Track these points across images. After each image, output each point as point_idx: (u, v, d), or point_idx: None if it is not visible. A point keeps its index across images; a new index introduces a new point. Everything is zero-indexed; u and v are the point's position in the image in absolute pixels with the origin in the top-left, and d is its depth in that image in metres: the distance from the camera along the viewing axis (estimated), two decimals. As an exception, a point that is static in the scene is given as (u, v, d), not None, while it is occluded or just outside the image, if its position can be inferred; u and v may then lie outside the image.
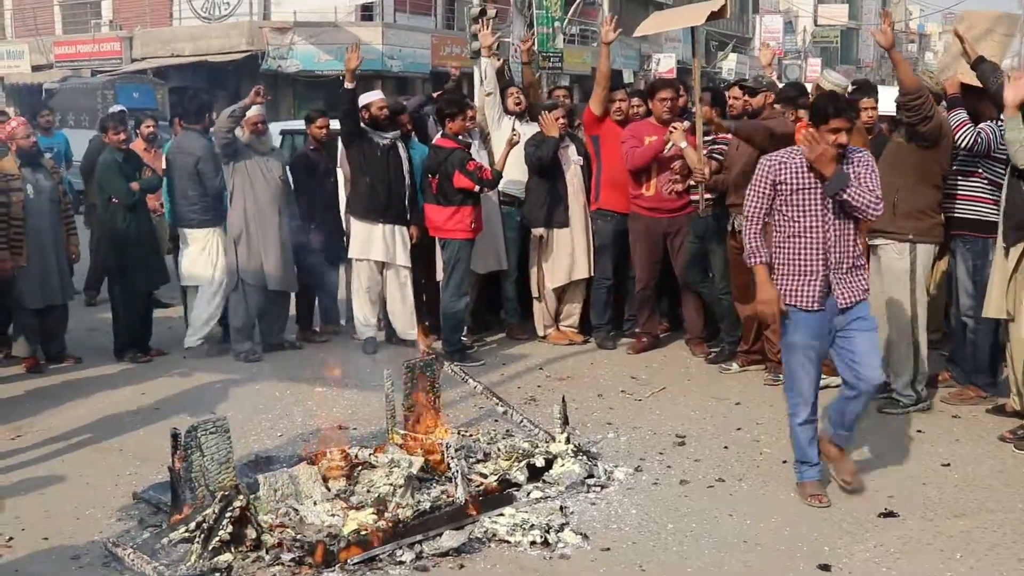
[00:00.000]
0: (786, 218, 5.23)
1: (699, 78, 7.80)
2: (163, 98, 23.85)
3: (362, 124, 8.52)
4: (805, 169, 5.15)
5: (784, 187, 5.20)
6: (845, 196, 5.08)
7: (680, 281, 8.54)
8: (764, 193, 5.27)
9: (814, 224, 5.19)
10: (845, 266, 5.23)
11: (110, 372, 8.21)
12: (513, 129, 8.50)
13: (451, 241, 8.25)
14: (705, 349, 8.55)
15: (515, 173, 8.65)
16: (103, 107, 20.59)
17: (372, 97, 8.74)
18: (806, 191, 5.17)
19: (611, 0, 39.42)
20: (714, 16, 7.64)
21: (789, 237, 5.24)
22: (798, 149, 5.18)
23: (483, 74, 9.07)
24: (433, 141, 8.59)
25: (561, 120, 8.59)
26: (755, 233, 5.34)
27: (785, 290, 5.26)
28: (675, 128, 7.97)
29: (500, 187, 8.58)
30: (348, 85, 8.37)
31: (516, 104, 8.88)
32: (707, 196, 7.84)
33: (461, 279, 8.29)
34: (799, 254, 5.23)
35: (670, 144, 8.06)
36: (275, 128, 10.31)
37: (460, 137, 8.31)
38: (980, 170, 6.93)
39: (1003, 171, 6.65)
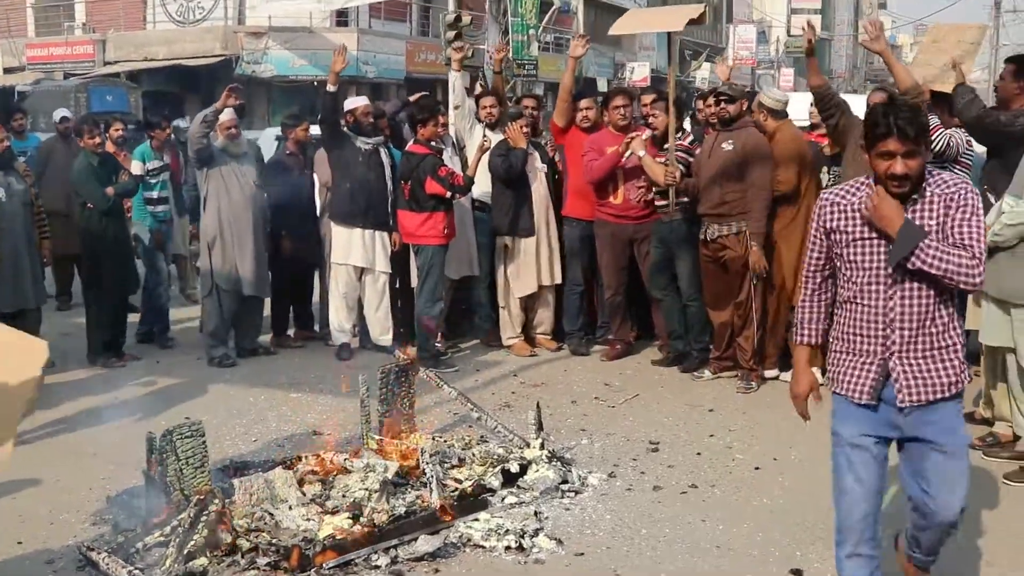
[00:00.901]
0: (844, 277, 3.83)
1: (674, 85, 7.86)
2: (136, 102, 23.73)
3: (345, 128, 8.54)
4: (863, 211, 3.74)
5: (839, 236, 3.80)
6: (918, 263, 3.59)
7: (648, 287, 8.60)
8: (817, 244, 3.91)
9: (874, 288, 3.74)
10: (916, 349, 3.73)
11: (84, 377, 8.17)
12: (484, 136, 8.54)
13: (424, 247, 8.27)
14: (665, 351, 8.59)
15: (488, 180, 8.69)
16: (76, 110, 20.46)
17: (358, 102, 8.76)
18: (865, 242, 3.73)
19: (586, 9, 39.65)
20: (692, 23, 7.70)
21: (844, 302, 3.84)
22: (864, 180, 3.82)
23: (452, 87, 9.10)
24: (406, 148, 8.62)
25: (525, 129, 8.63)
26: (808, 298, 4.05)
27: (834, 370, 3.93)
28: (633, 137, 8.05)
29: (473, 194, 8.62)
30: (331, 88, 8.38)
31: (488, 115, 8.92)
32: (677, 201, 7.83)
33: (435, 285, 8.31)
34: (853, 326, 3.81)
35: (628, 153, 8.11)
36: (270, 133, 10.29)
37: (432, 143, 8.34)
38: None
39: (969, 175, 6.87)
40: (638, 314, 9.08)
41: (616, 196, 8.39)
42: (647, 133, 8.13)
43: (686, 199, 7.89)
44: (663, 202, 8.00)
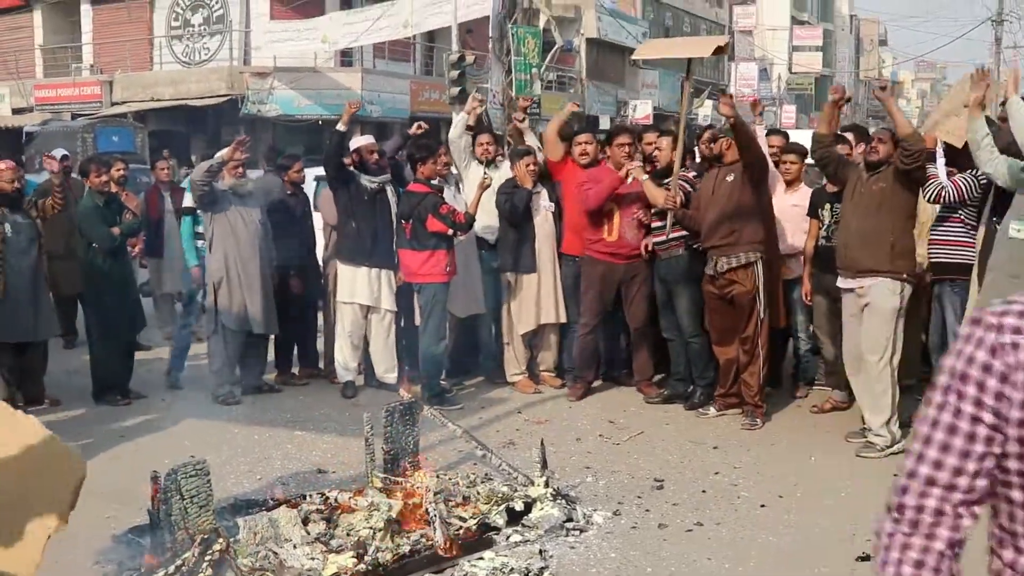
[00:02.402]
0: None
1: (685, 115, 7.91)
2: (143, 141, 23.86)
3: (350, 168, 8.59)
4: None
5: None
6: None
7: (631, 326, 8.61)
8: (972, 421, 1.79)
9: None
10: None
11: (89, 415, 8.18)
12: (485, 173, 8.57)
13: (427, 285, 8.28)
14: (655, 391, 8.62)
15: (490, 218, 8.72)
16: (83, 151, 20.57)
17: (363, 141, 8.81)
18: None
19: (588, 47, 39.89)
20: (719, 51, 7.75)
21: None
22: None
23: (454, 123, 9.16)
24: (406, 187, 8.65)
25: (532, 167, 8.69)
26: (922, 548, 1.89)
27: None
28: (633, 164, 8.15)
29: (476, 231, 8.65)
30: (342, 127, 8.45)
31: (484, 152, 8.96)
32: (673, 231, 7.94)
33: (439, 323, 8.32)
34: None
35: (630, 179, 8.16)
36: (309, 174, 10.34)
37: (432, 182, 8.37)
38: (960, 216, 7.14)
39: (976, 216, 6.96)
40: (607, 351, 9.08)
41: (611, 232, 8.40)
42: (638, 162, 8.21)
43: (684, 232, 7.97)
44: (659, 223, 8.05)
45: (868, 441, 7.04)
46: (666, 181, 7.99)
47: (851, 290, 7.12)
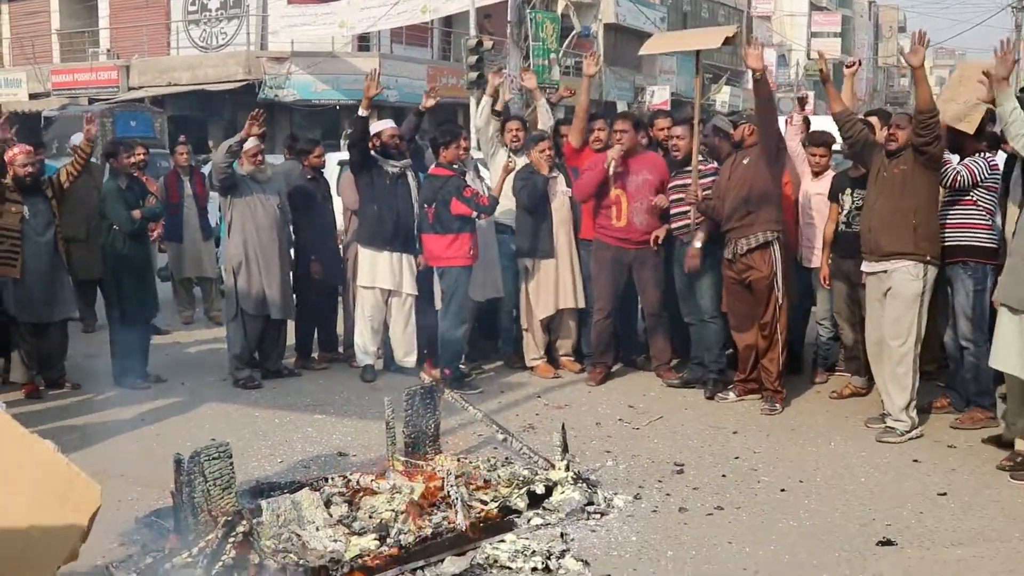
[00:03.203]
0: None
1: (699, 106, 7.90)
2: (161, 127, 23.89)
3: (372, 152, 8.59)
4: None
5: None
6: None
7: (648, 311, 8.62)
8: None
9: None
10: None
11: (109, 398, 8.22)
12: (509, 156, 8.58)
13: (450, 269, 8.30)
14: (674, 375, 8.65)
15: (511, 201, 8.74)
16: (102, 136, 20.61)
17: (384, 125, 8.82)
18: None
19: (606, 33, 39.77)
20: (728, 42, 7.72)
21: None
22: None
23: (480, 110, 9.15)
24: (428, 170, 8.65)
25: (548, 152, 8.68)
26: None
27: None
28: (612, 152, 8.24)
29: (496, 215, 8.64)
30: (363, 112, 8.43)
31: (513, 140, 8.92)
32: (678, 225, 8.07)
33: (460, 306, 8.33)
34: None
35: (610, 168, 8.22)
36: (331, 159, 10.35)
37: (455, 165, 8.38)
38: (973, 198, 7.10)
39: (995, 198, 6.96)
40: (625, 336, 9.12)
41: (620, 218, 8.42)
42: (617, 148, 8.25)
43: (699, 222, 8.02)
44: (679, 209, 8.08)
45: (888, 426, 7.03)
46: (687, 168, 8.01)
47: (875, 274, 7.11)
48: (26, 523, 3.28)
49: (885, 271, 7.01)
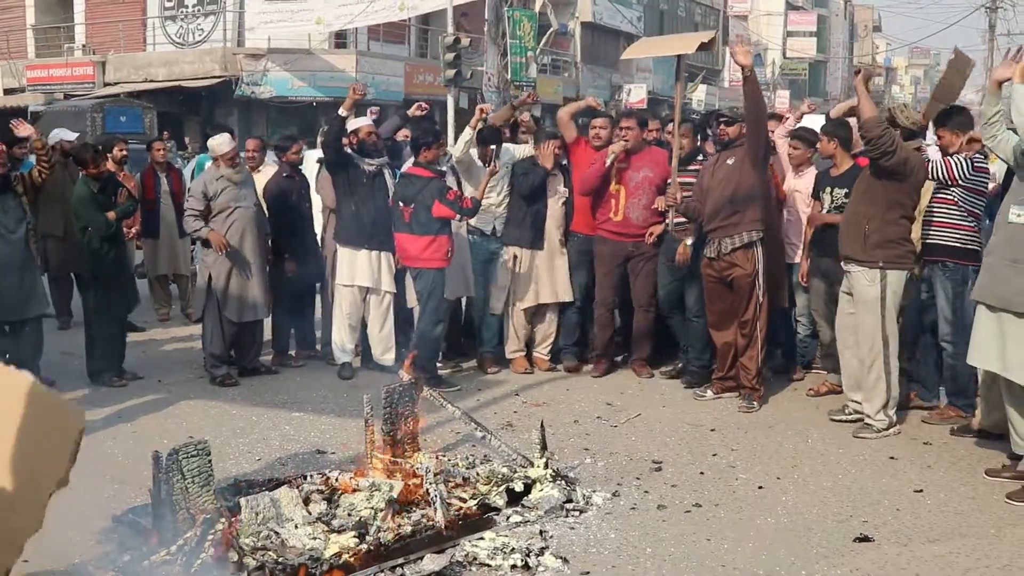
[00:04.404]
0: None
1: (680, 107, 7.96)
2: (151, 122, 23.75)
3: (349, 150, 8.57)
4: None
5: None
6: None
7: (636, 303, 8.69)
8: None
9: None
10: None
11: (85, 396, 8.16)
12: (494, 159, 8.36)
13: (426, 271, 8.25)
14: (649, 371, 8.76)
15: (486, 203, 8.61)
16: (92, 131, 20.45)
17: (361, 123, 8.77)
18: None
19: (583, 31, 39.83)
20: (703, 47, 7.78)
21: None
22: None
23: (463, 143, 8.67)
24: (404, 170, 8.61)
25: (557, 150, 8.76)
26: None
27: None
28: (614, 147, 8.33)
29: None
30: (343, 112, 8.38)
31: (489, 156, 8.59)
32: (678, 221, 8.07)
33: (437, 307, 8.31)
34: None
35: (610, 161, 8.30)
36: (310, 156, 10.30)
37: (434, 166, 8.34)
38: (955, 198, 7.14)
39: (980, 201, 7.08)
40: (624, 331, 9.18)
41: (617, 212, 8.49)
42: (620, 144, 8.34)
43: (685, 220, 8.07)
44: (680, 219, 8.12)
45: (865, 423, 7.09)
46: (691, 168, 8.20)
47: (847, 272, 7.26)
48: (16, 452, 3.28)
49: (848, 272, 7.20)
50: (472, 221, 8.71)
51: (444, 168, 8.56)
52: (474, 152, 8.70)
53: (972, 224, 7.15)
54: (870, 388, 7.06)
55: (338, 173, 8.59)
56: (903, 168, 6.87)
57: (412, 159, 8.58)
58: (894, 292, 7.00)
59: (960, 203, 7.14)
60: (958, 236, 7.15)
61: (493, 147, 8.50)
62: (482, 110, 8.65)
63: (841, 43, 72.30)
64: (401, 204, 8.28)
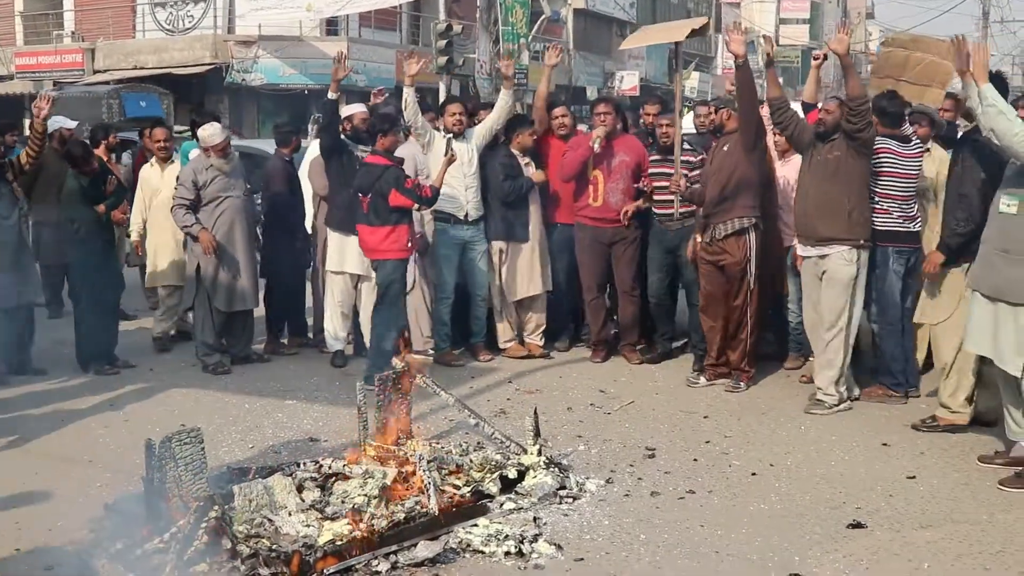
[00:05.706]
0: None
1: (680, 94, 7.99)
2: (169, 107, 23.64)
3: (343, 136, 8.52)
4: None
5: None
6: None
7: (621, 288, 8.74)
8: None
9: None
10: None
11: (76, 384, 8.15)
12: (450, 148, 8.07)
13: (386, 262, 7.93)
14: (638, 356, 8.79)
15: (449, 189, 8.36)
16: (109, 117, 20.29)
17: (355, 109, 8.73)
18: None
19: (576, 18, 39.74)
20: (694, 33, 7.81)
21: None
22: None
23: (404, 103, 8.57)
24: (363, 159, 8.33)
25: (532, 136, 8.80)
26: None
27: None
28: (597, 132, 8.33)
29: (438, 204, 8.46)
30: (332, 95, 8.32)
31: (455, 124, 8.59)
32: (682, 210, 8.15)
33: (396, 298, 8.01)
34: None
35: (596, 146, 8.29)
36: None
37: (393, 154, 8.07)
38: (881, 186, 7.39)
39: (909, 186, 7.38)
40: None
41: (596, 198, 8.52)
42: (602, 129, 8.34)
43: (686, 210, 8.19)
44: (668, 210, 8.20)
45: (817, 399, 7.28)
46: (671, 157, 8.19)
47: (810, 258, 7.36)
48: None
49: (821, 255, 7.24)
50: (438, 207, 8.44)
51: (402, 156, 8.27)
52: (421, 126, 8.60)
53: (890, 207, 7.33)
54: (828, 362, 7.24)
55: (332, 159, 8.53)
56: (872, 144, 7.14)
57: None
58: (863, 272, 7.22)
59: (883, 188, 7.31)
60: (903, 220, 7.38)
61: (450, 136, 8.38)
62: (414, 62, 8.52)
63: (834, 30, 72.22)
64: (360, 194, 7.99)
